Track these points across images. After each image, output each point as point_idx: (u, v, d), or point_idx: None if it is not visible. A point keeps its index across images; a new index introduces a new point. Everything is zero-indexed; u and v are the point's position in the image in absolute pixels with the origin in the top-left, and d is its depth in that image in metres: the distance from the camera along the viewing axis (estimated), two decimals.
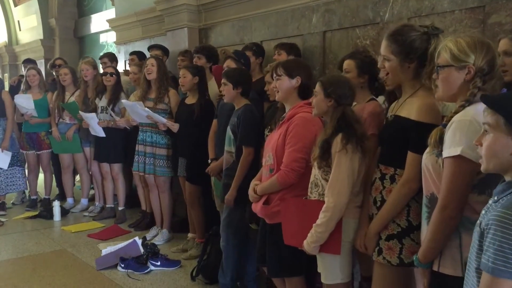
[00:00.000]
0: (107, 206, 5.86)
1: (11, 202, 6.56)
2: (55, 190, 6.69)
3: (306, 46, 4.28)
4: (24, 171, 6.27)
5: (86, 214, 5.95)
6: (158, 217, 5.04)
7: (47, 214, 5.83)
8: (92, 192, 6.37)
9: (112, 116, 5.24)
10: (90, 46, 8.92)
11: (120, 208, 5.68)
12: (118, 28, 6.80)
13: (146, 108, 4.51)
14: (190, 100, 4.47)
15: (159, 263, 4.17)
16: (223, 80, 3.50)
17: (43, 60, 8.93)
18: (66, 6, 9.05)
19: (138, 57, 5.62)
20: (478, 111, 1.72)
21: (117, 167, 5.57)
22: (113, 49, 7.65)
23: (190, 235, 4.66)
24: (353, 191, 2.42)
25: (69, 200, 6.29)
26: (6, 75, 10.35)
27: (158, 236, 4.90)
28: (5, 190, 6.07)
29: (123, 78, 5.72)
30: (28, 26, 9.82)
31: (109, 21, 7.01)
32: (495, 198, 1.48)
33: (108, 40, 8.22)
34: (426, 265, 1.94)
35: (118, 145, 5.42)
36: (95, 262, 4.30)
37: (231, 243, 3.48)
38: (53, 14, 9.08)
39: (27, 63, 6.86)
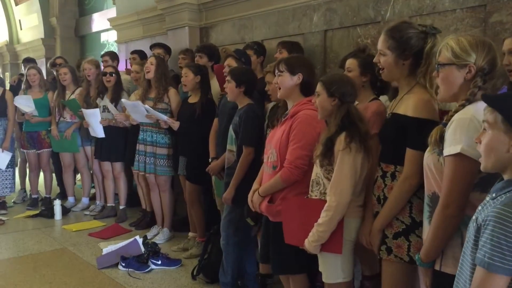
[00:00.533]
0: (108, 205, 5.86)
1: (12, 201, 6.56)
2: (56, 189, 6.69)
3: (307, 45, 4.28)
4: (15, 173, 6.24)
5: (87, 213, 5.95)
6: (159, 216, 5.04)
7: (48, 213, 5.83)
8: (93, 191, 6.38)
9: (113, 112, 5.24)
10: (91, 45, 8.93)
11: (121, 207, 5.68)
12: (119, 27, 6.80)
13: (147, 106, 4.51)
14: (193, 99, 4.47)
15: (160, 262, 4.17)
16: (227, 78, 3.50)
17: (44, 59, 8.94)
18: (67, 5, 9.06)
19: (139, 56, 5.62)
20: (479, 109, 1.73)
21: (119, 166, 5.58)
22: (114, 48, 7.65)
23: (190, 234, 4.66)
24: (355, 190, 2.41)
25: (70, 199, 6.29)
26: (7, 74, 10.36)
27: (159, 235, 4.91)
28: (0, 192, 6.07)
29: (125, 77, 5.72)
30: (29, 25, 9.83)
31: (110, 20, 7.00)
32: (493, 195, 1.49)
33: (109, 39, 8.23)
34: (428, 264, 1.94)
35: (120, 143, 5.42)
36: (96, 261, 4.31)
37: (231, 242, 3.48)
38: (54, 13, 9.09)
39: (27, 62, 6.86)
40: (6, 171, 5.98)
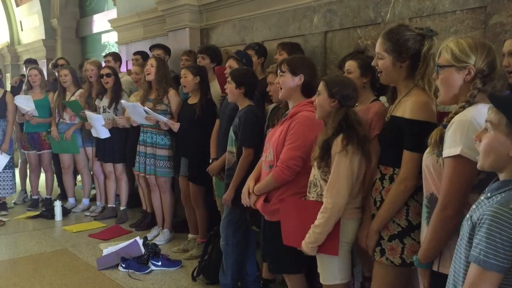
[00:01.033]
0: (108, 206, 5.86)
1: (13, 202, 6.58)
2: (57, 190, 6.70)
3: (307, 46, 4.28)
4: (14, 174, 6.25)
5: (88, 214, 5.96)
6: (159, 217, 5.04)
7: (49, 214, 5.84)
8: (93, 192, 6.38)
9: (114, 115, 5.25)
10: (91, 46, 8.94)
11: (121, 208, 5.69)
12: (119, 28, 6.81)
13: (146, 108, 4.51)
14: (192, 100, 4.48)
15: (160, 263, 4.18)
16: (228, 79, 3.51)
17: (45, 60, 8.96)
18: (68, 6, 9.06)
19: (142, 57, 5.62)
20: (479, 111, 1.73)
21: (121, 166, 5.59)
22: (114, 49, 7.66)
23: (190, 235, 4.66)
24: (352, 192, 2.41)
25: (71, 200, 6.30)
26: (8, 75, 10.37)
27: (159, 236, 4.91)
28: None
29: (127, 78, 5.73)
30: (30, 26, 9.83)
31: (110, 21, 7.01)
32: (488, 194, 1.52)
33: (110, 40, 8.23)
34: (426, 265, 1.95)
35: (122, 144, 5.42)
36: (96, 262, 4.31)
37: (231, 242, 3.49)
38: (55, 14, 9.10)
39: (29, 63, 6.87)
40: (4, 172, 5.97)
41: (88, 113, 5.39)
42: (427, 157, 1.95)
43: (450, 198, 1.79)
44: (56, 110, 5.91)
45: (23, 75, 6.88)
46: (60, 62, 6.60)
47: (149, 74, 4.68)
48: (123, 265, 4.13)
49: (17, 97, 6.00)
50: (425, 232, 1.97)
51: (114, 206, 5.85)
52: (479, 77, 1.84)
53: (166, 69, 4.83)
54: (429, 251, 1.90)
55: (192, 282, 3.91)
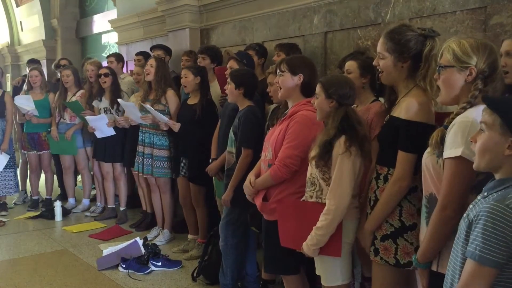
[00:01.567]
0: (108, 206, 5.86)
1: (13, 202, 6.57)
2: (57, 190, 6.70)
3: (308, 46, 4.28)
4: (16, 173, 6.26)
5: (88, 214, 5.96)
6: (159, 217, 5.04)
7: (49, 214, 5.84)
8: (93, 192, 6.38)
9: (116, 115, 5.26)
10: (92, 47, 8.94)
11: (121, 209, 5.69)
12: (119, 28, 6.81)
13: (149, 106, 4.50)
14: (192, 100, 4.48)
15: (160, 264, 4.18)
16: (227, 79, 3.51)
17: (45, 61, 8.95)
18: (68, 6, 9.06)
19: (144, 58, 5.61)
20: (480, 112, 1.73)
21: (119, 167, 5.59)
22: (115, 49, 7.66)
23: (190, 236, 4.66)
24: (353, 193, 2.42)
25: (71, 200, 6.30)
26: (8, 75, 10.37)
27: (159, 237, 4.91)
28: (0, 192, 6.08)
29: (129, 79, 5.73)
30: (30, 27, 9.83)
31: (111, 21, 7.01)
32: (485, 194, 1.55)
33: (110, 40, 8.23)
34: (424, 265, 1.95)
35: (122, 144, 5.43)
36: (96, 262, 4.31)
37: (230, 243, 3.49)
38: (55, 15, 9.10)
39: (31, 63, 6.87)
40: (5, 171, 5.98)
41: (88, 118, 5.38)
42: (427, 157, 1.95)
43: (450, 198, 1.80)
44: (57, 110, 5.91)
45: (26, 76, 6.88)
46: (63, 62, 6.61)
47: (148, 74, 4.69)
48: (123, 266, 4.13)
49: (17, 97, 6.01)
50: (424, 232, 1.97)
51: (114, 206, 5.85)
52: (481, 77, 1.84)
53: (166, 69, 4.83)
54: (428, 251, 1.91)
55: (192, 283, 3.91)
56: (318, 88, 2.51)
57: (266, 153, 2.85)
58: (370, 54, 3.29)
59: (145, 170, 4.82)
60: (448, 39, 1.96)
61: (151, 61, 4.73)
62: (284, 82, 2.79)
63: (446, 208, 1.80)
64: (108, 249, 4.50)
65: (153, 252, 4.24)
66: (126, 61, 6.56)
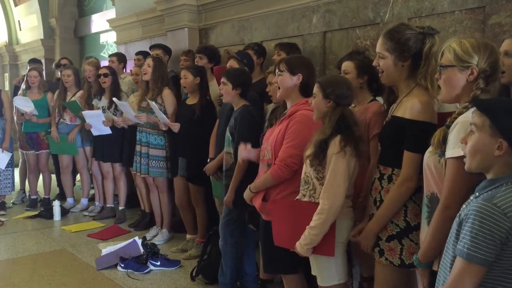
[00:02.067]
0: (107, 206, 5.86)
1: (11, 201, 6.56)
2: (56, 190, 6.69)
3: (306, 46, 4.29)
4: (14, 172, 6.24)
5: (86, 214, 5.95)
6: (158, 217, 5.04)
7: (47, 213, 5.83)
8: (92, 192, 6.38)
9: (114, 115, 5.25)
10: (90, 46, 8.93)
11: (120, 208, 5.69)
12: (118, 28, 6.80)
13: (153, 103, 4.49)
14: (191, 100, 4.47)
15: (159, 263, 4.17)
16: (222, 80, 3.50)
17: (43, 60, 8.93)
18: (67, 6, 9.05)
19: (144, 58, 5.60)
20: None
21: (119, 166, 5.59)
22: (113, 49, 7.65)
23: (188, 236, 4.66)
24: (347, 192, 2.42)
25: (69, 200, 6.29)
26: (6, 75, 10.36)
27: (158, 236, 4.91)
28: (1, 191, 6.07)
29: (129, 79, 5.72)
30: (29, 26, 9.82)
31: (109, 21, 7.01)
32: (476, 194, 1.58)
33: (109, 40, 8.23)
34: (425, 265, 1.95)
35: (121, 144, 5.42)
36: (95, 262, 4.31)
37: (229, 242, 3.49)
38: (53, 14, 9.09)
39: (32, 63, 6.86)
40: (6, 170, 5.98)
41: (85, 113, 5.38)
42: (429, 157, 1.95)
43: (452, 199, 1.79)
44: (57, 110, 5.91)
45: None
46: (63, 62, 6.61)
47: (145, 74, 4.69)
48: (122, 265, 4.12)
49: (15, 98, 6.00)
50: (425, 231, 1.97)
51: (112, 206, 5.84)
52: (482, 77, 1.84)
53: (163, 69, 4.79)
54: (429, 251, 1.91)
55: (191, 282, 3.91)
56: (315, 88, 2.51)
57: (265, 153, 2.86)
58: (369, 54, 3.29)
59: (142, 169, 4.82)
60: (449, 39, 1.96)
61: (148, 61, 4.73)
62: (283, 82, 2.80)
63: (448, 208, 1.80)
64: (107, 248, 4.50)
65: (152, 251, 4.23)
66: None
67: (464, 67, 1.85)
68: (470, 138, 1.58)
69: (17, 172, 6.56)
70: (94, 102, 5.55)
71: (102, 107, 5.43)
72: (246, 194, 2.92)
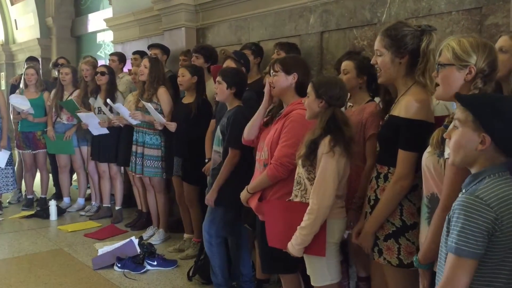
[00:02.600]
0: (103, 205, 5.85)
1: (8, 201, 6.55)
2: (52, 189, 6.67)
3: (304, 46, 4.29)
4: (14, 170, 6.24)
5: (83, 213, 5.94)
6: (154, 217, 5.04)
7: (44, 213, 5.82)
8: (88, 191, 6.36)
9: (109, 114, 5.24)
10: (87, 45, 8.91)
11: (117, 208, 5.68)
12: (115, 27, 6.79)
13: (149, 104, 4.49)
14: (188, 99, 4.47)
15: (155, 263, 4.17)
16: (218, 78, 3.49)
17: (40, 59, 8.89)
18: (63, 5, 9.02)
19: (141, 57, 5.60)
20: None
21: (115, 166, 5.57)
22: (110, 48, 7.64)
23: (186, 235, 4.66)
24: (338, 193, 2.42)
25: (66, 200, 6.28)
26: (3, 74, 10.32)
27: (155, 236, 4.90)
28: (1, 190, 6.05)
29: (127, 78, 5.71)
30: (25, 25, 9.78)
31: (106, 20, 6.99)
32: (463, 190, 1.60)
33: (105, 39, 8.20)
34: (426, 265, 1.95)
35: (117, 144, 5.41)
36: (92, 262, 4.30)
37: (215, 242, 3.51)
38: (50, 13, 9.06)
39: (29, 61, 6.84)
40: (6, 168, 5.97)
41: (80, 115, 5.37)
42: (428, 158, 1.95)
43: (452, 199, 1.76)
44: (54, 110, 5.89)
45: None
46: (61, 61, 6.59)
47: (142, 74, 4.69)
48: (119, 265, 4.12)
49: (12, 96, 5.98)
50: (425, 232, 1.97)
51: (109, 206, 5.83)
52: (480, 76, 1.83)
53: (160, 69, 4.77)
54: (429, 251, 1.90)
55: (188, 282, 3.91)
56: (309, 88, 2.52)
57: (262, 153, 2.86)
58: (366, 54, 3.30)
59: (137, 169, 4.82)
60: (448, 37, 1.95)
61: (145, 61, 4.72)
62: (278, 82, 2.80)
63: (448, 208, 1.77)
64: (104, 248, 4.49)
65: (148, 251, 4.23)
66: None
67: (462, 66, 1.84)
68: (454, 133, 1.60)
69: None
70: (91, 101, 5.55)
71: (99, 107, 5.42)
72: (243, 195, 2.92)
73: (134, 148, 4.83)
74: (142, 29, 6.27)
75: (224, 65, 3.96)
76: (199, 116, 4.30)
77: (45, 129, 5.98)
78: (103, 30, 7.96)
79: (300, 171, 2.51)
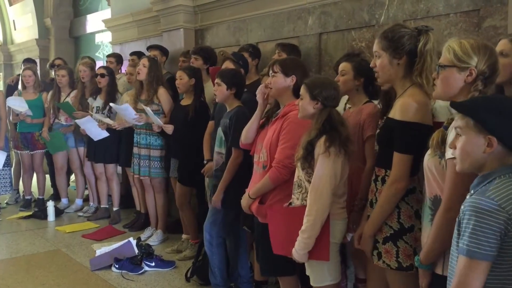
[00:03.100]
0: (101, 206, 5.84)
1: (5, 202, 6.54)
2: (50, 190, 6.67)
3: (302, 47, 4.29)
4: (11, 172, 6.22)
5: (81, 214, 5.94)
6: (153, 217, 5.04)
7: (41, 214, 5.81)
8: (86, 192, 6.36)
9: (109, 117, 5.24)
10: (85, 46, 8.90)
11: (114, 209, 5.67)
12: (113, 28, 6.79)
13: (148, 108, 4.48)
14: (186, 101, 4.47)
15: (153, 264, 4.17)
16: (216, 80, 3.50)
17: (38, 60, 8.90)
18: (62, 5, 9.02)
19: (138, 58, 5.59)
20: None
21: (112, 167, 5.57)
22: (108, 49, 7.63)
23: (184, 236, 4.66)
24: (337, 193, 2.42)
25: (63, 200, 6.27)
26: (1, 74, 10.31)
27: (153, 237, 4.90)
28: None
29: (124, 79, 5.71)
30: (23, 26, 9.78)
31: (104, 21, 6.99)
32: (471, 192, 1.58)
33: (104, 40, 8.20)
34: (427, 266, 1.95)
35: (113, 145, 5.40)
36: (90, 263, 4.30)
37: (215, 243, 3.51)
38: (48, 14, 9.06)
39: (27, 63, 6.84)
40: (3, 170, 5.96)
41: (78, 121, 5.36)
42: (429, 159, 1.94)
43: (454, 200, 1.77)
44: (51, 111, 5.89)
45: (20, 75, 6.85)
46: (57, 62, 6.58)
47: (139, 74, 4.68)
48: (117, 266, 4.12)
49: (9, 98, 5.98)
50: (427, 233, 1.96)
51: (107, 206, 5.83)
52: (481, 78, 1.83)
53: (159, 70, 4.78)
54: (431, 252, 1.90)
55: (186, 283, 3.91)
56: (302, 89, 2.51)
57: (260, 155, 2.85)
58: (364, 56, 3.30)
59: (142, 171, 4.80)
60: (450, 39, 1.95)
61: (144, 61, 4.71)
62: (276, 83, 2.80)
63: (450, 209, 1.78)
64: (101, 249, 4.49)
65: (146, 252, 4.23)
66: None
67: (463, 68, 1.84)
68: (458, 141, 1.58)
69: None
70: (90, 101, 5.54)
71: (97, 107, 5.42)
72: (245, 202, 2.89)
73: (136, 150, 4.82)
74: (141, 30, 6.27)
75: (223, 67, 3.96)
76: (196, 118, 4.30)
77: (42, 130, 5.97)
78: (102, 31, 7.96)
79: (299, 174, 2.50)
